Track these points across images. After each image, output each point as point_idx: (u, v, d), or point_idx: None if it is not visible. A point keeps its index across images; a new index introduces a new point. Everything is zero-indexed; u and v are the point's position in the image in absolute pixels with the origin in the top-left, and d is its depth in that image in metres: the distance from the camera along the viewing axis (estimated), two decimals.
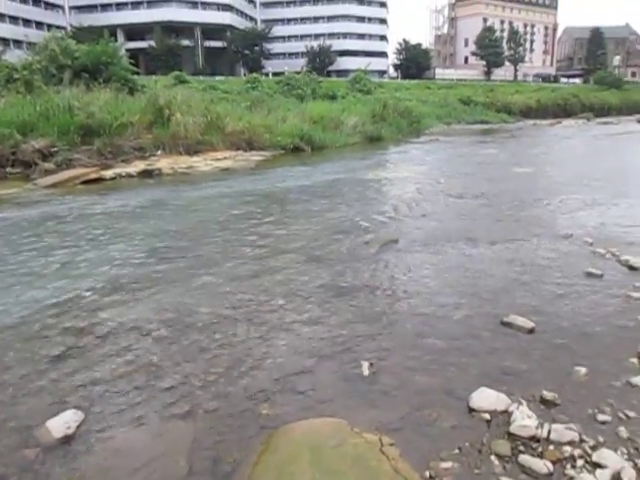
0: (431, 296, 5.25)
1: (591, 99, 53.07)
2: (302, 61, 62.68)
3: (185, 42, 60.81)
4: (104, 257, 6.66)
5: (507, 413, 3.26)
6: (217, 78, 44.13)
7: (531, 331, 4.40)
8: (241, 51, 61.87)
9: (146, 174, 13.93)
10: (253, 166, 15.89)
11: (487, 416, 3.24)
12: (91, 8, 63.39)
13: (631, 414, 3.26)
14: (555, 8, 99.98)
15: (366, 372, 3.80)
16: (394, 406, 3.39)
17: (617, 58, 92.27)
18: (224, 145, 17.63)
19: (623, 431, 3.09)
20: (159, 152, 15.89)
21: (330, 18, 74.48)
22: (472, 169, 15.13)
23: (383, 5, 79.51)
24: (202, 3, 63.95)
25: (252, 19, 72.92)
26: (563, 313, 4.77)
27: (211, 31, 64.24)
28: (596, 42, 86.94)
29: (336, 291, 5.36)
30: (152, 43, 57.76)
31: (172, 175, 14.17)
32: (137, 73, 26.32)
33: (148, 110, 17.01)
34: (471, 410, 3.32)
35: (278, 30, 69.58)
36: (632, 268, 5.92)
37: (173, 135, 16.42)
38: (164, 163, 15.10)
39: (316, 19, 74.91)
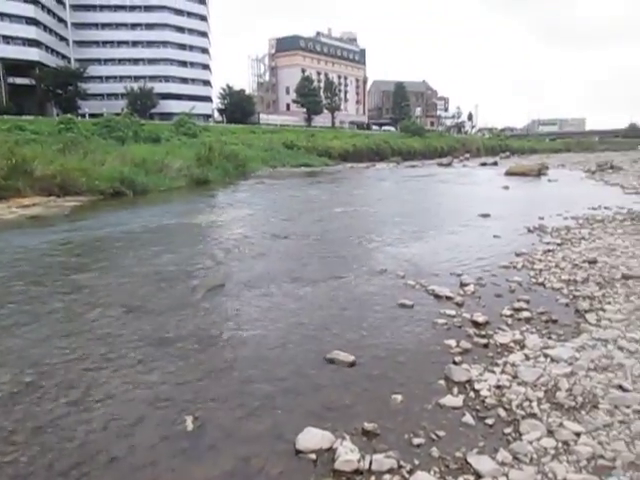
0: (258, 339, 5.23)
1: (399, 145, 58.90)
2: (122, 103, 60.30)
3: None
4: None
5: (332, 450, 3.32)
6: (25, 118, 40.35)
7: (352, 364, 4.60)
8: (53, 90, 57.34)
9: None
10: (67, 213, 14.68)
11: (313, 456, 3.27)
12: None
13: (441, 433, 3.53)
14: (364, 64, 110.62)
15: (190, 427, 3.62)
16: (220, 460, 3.26)
17: (418, 109, 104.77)
18: (33, 191, 16.10)
19: (435, 451, 3.33)
20: None
21: (151, 61, 73.31)
22: (297, 210, 15.71)
23: (205, 51, 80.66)
24: (4, 37, 58.40)
25: (65, 57, 68.62)
26: (380, 344, 5.08)
27: (16, 67, 58.82)
28: (400, 95, 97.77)
29: (159, 343, 5.09)
30: None
31: None
32: None
33: None
34: (298, 452, 3.32)
35: (95, 70, 66.38)
36: (437, 296, 6.56)
37: None
38: None
39: (136, 61, 73.08)
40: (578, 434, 3.43)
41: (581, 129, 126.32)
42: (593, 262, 8.03)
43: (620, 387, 4.01)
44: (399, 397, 4.01)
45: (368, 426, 3.58)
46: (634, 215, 12.99)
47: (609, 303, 6.13)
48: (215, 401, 3.99)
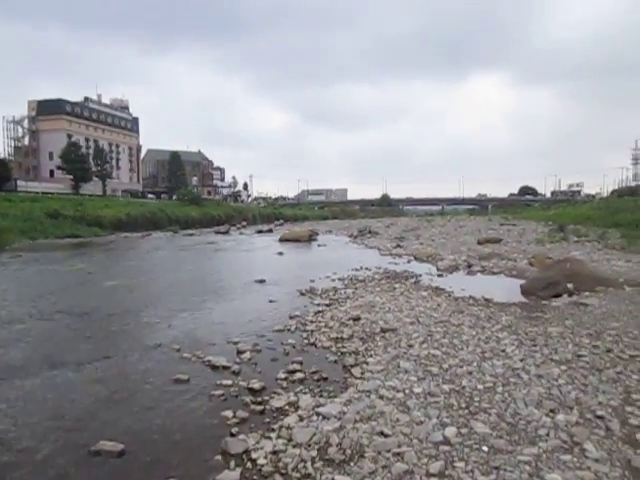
0: (6, 441, 4.46)
1: (176, 213, 58.36)
2: None
3: None
4: None
5: None
6: None
7: (121, 454, 4.19)
8: None
9: None
10: None
11: None
12: None
13: None
14: (137, 132, 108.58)
15: None
16: None
17: (195, 179, 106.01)
18: None
19: None
20: None
21: None
22: (60, 286, 14.24)
23: None
24: None
25: None
26: (154, 426, 4.74)
27: None
28: (176, 164, 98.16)
29: None
30: None
31: None
32: None
33: None
34: None
35: None
36: (214, 367, 6.45)
37: None
38: None
39: None
40: None
41: (344, 199, 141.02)
42: (357, 319, 8.79)
43: (382, 433, 4.34)
44: None
45: None
46: (388, 274, 14.74)
47: (371, 356, 6.72)
48: None
